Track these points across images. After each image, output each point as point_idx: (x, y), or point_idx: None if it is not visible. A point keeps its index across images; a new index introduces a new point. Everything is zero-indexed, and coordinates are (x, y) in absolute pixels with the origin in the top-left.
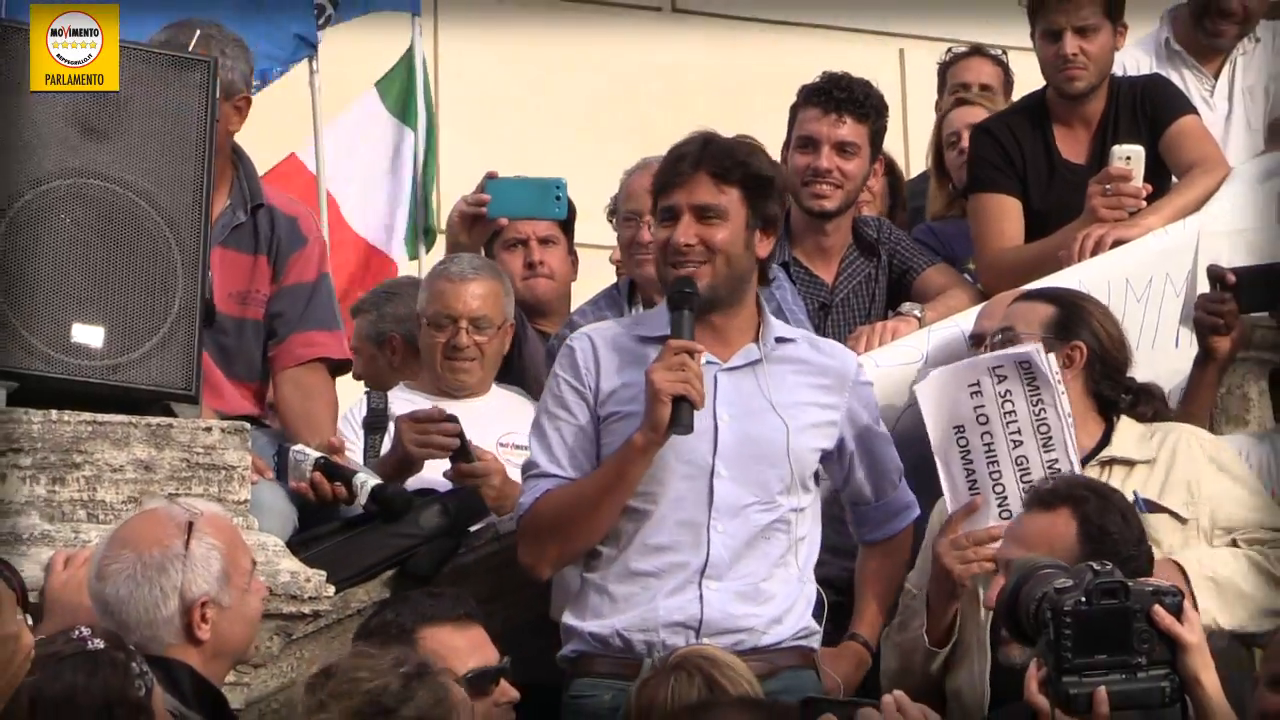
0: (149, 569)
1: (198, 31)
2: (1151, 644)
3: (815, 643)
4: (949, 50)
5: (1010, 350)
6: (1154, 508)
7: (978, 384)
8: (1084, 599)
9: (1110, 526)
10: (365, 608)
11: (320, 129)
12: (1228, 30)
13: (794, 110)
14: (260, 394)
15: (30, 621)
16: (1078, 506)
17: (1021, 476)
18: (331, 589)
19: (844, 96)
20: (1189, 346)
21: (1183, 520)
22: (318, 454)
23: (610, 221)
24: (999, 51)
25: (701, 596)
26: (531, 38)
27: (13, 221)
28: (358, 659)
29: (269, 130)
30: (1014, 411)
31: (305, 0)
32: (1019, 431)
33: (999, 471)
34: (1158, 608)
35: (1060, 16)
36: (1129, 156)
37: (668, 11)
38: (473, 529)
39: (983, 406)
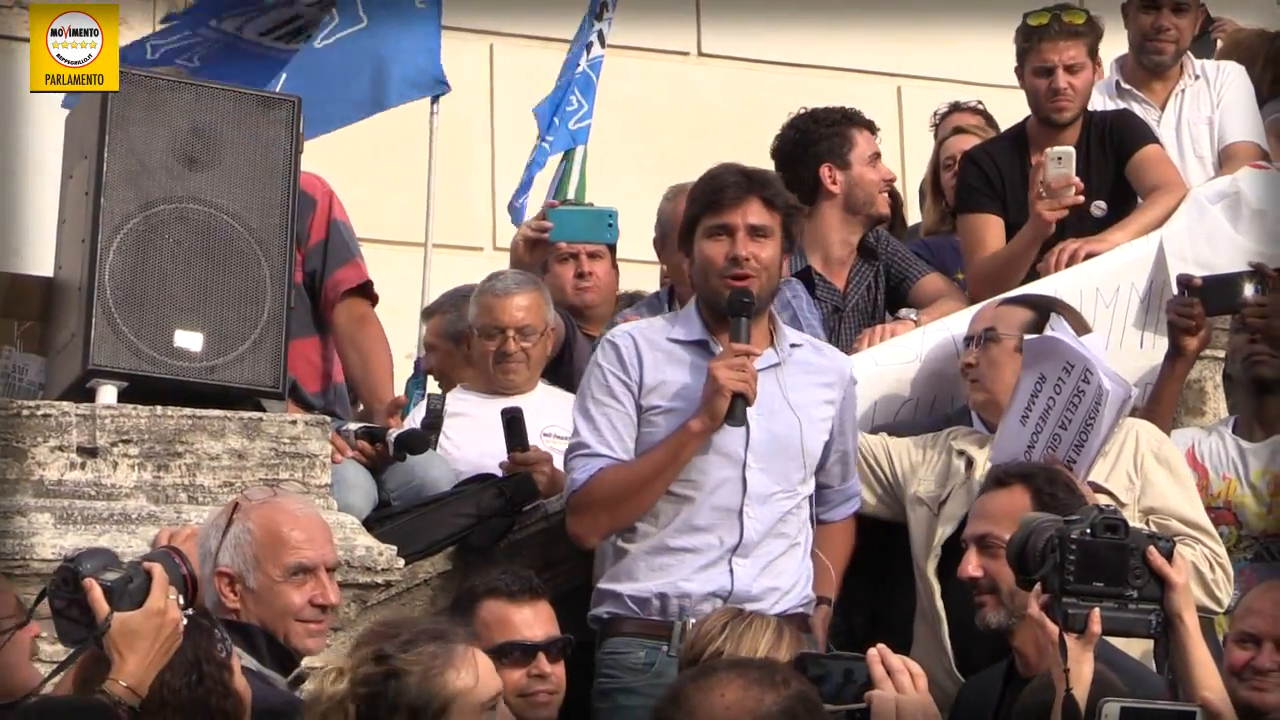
0: (204, 531)
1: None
2: (1144, 580)
3: (812, 609)
4: (936, 112)
5: (1115, 376)
6: (1097, 488)
7: (1072, 367)
8: (1089, 530)
9: (1059, 494)
10: (431, 578)
11: (434, 165)
12: (1165, 48)
13: (845, 132)
14: (319, 348)
15: (182, 602)
16: (1029, 482)
17: (1050, 441)
18: (401, 561)
19: (871, 121)
20: (1152, 348)
21: (1122, 504)
22: (357, 425)
23: (654, 245)
24: (975, 101)
25: (732, 571)
26: None
27: (124, 240)
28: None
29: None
30: (1076, 408)
31: (435, 40)
32: (1070, 422)
33: (1043, 423)
34: (1152, 549)
35: (1053, 55)
36: (1060, 157)
37: (694, 55)
38: (525, 509)
39: (1063, 380)
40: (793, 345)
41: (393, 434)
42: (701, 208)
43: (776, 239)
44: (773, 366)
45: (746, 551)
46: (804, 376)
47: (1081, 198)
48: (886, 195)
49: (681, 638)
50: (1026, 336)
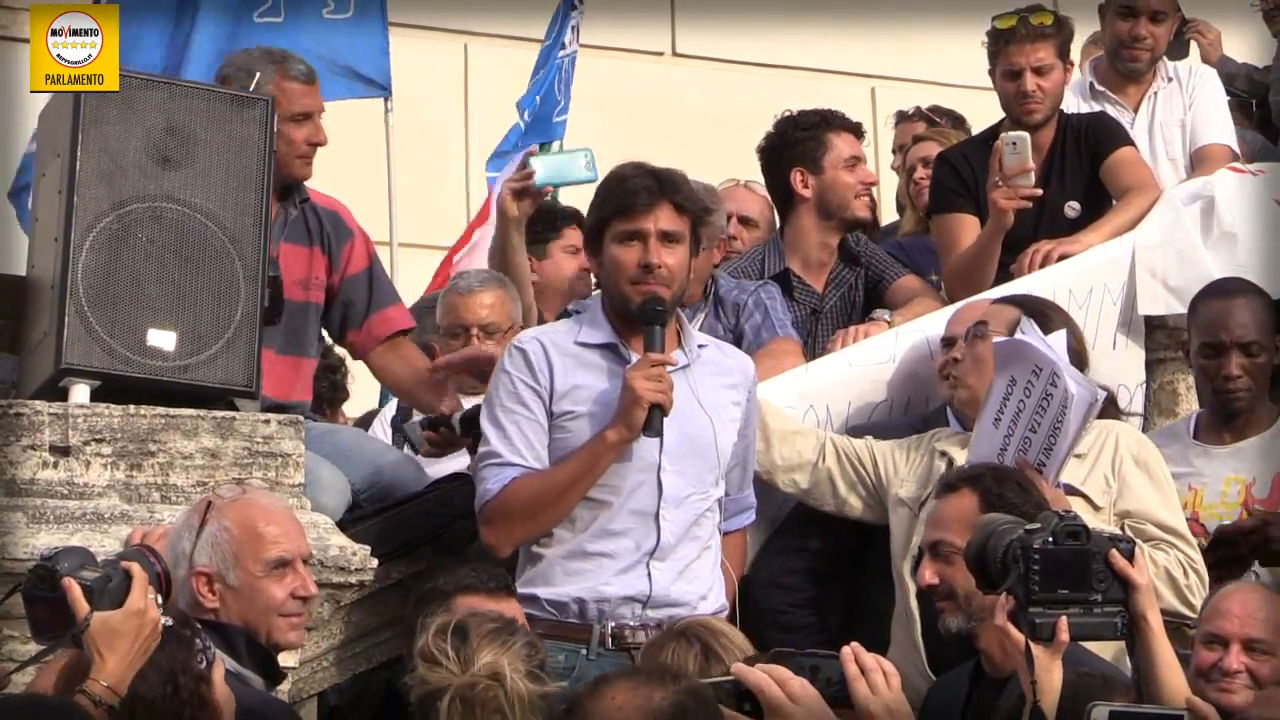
0: (175, 533)
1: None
2: (1107, 583)
3: (725, 615)
4: (888, 120)
5: (1081, 380)
6: (1072, 491)
7: (1040, 371)
8: (1050, 539)
9: (1009, 494)
10: (405, 578)
11: (393, 169)
12: (1140, 55)
13: (820, 136)
14: (311, 370)
15: (161, 601)
16: (976, 484)
17: (1020, 444)
18: (375, 561)
19: (857, 124)
20: (1125, 349)
21: (1097, 507)
22: (420, 418)
23: None
24: (914, 108)
25: (649, 575)
26: None
27: (97, 239)
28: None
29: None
30: (1045, 411)
31: (380, 45)
32: (1040, 425)
33: (1014, 426)
34: (1114, 552)
35: (1020, 58)
36: (1015, 143)
37: (669, 55)
38: None
39: (1032, 383)
40: (700, 346)
41: (456, 416)
42: (611, 211)
43: (686, 244)
44: (682, 368)
45: (664, 555)
46: (712, 378)
47: (1040, 190)
48: (867, 199)
49: (601, 641)
50: (995, 340)
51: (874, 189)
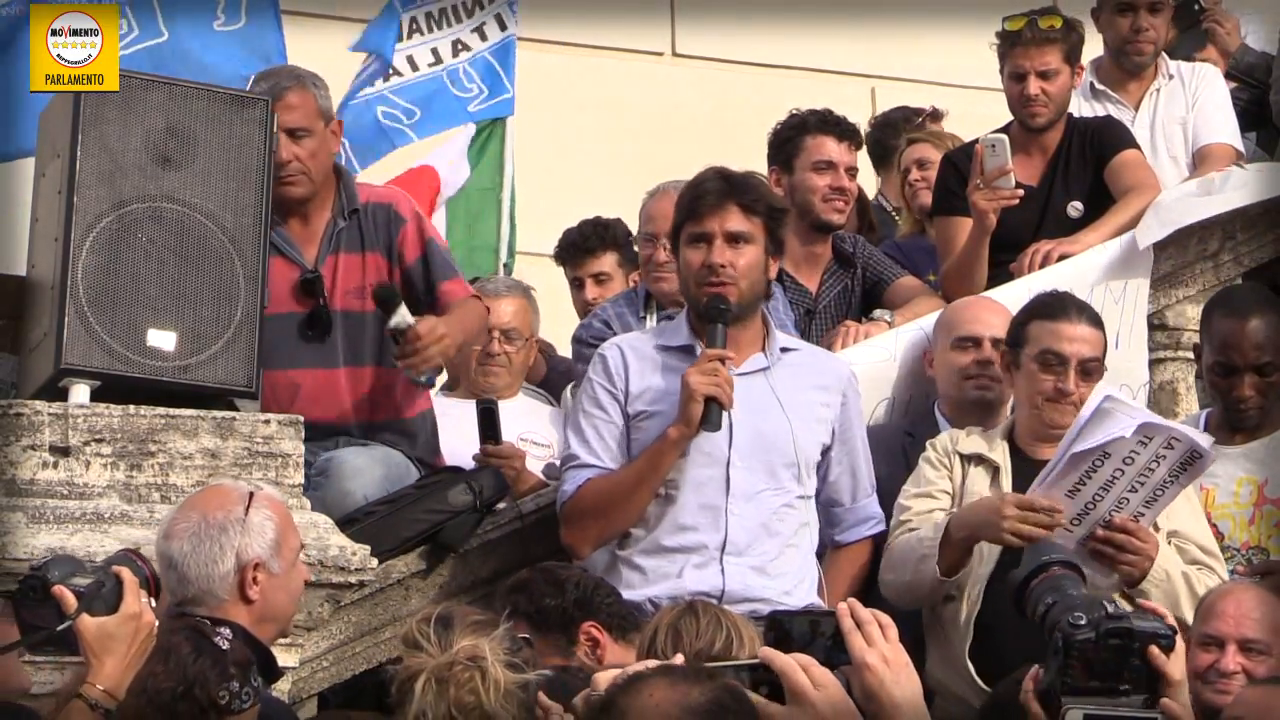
0: (211, 529)
1: (292, 76)
2: (1139, 675)
3: None
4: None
5: (1197, 438)
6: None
7: (1150, 440)
8: (1094, 637)
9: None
10: (404, 577)
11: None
12: (1145, 48)
13: (797, 138)
14: (383, 380)
15: (154, 604)
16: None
17: (1115, 504)
18: (375, 561)
19: (850, 128)
20: (1127, 347)
21: (1156, 527)
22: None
23: (633, 241)
24: (930, 107)
25: (723, 570)
26: (551, 79)
27: (97, 239)
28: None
29: None
30: (1152, 473)
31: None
32: (1144, 483)
33: (1101, 497)
34: (1153, 648)
35: (1025, 61)
36: (994, 145)
37: (669, 56)
38: (497, 507)
39: (1136, 454)
40: (785, 349)
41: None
42: (684, 215)
43: (758, 244)
44: (761, 370)
45: (737, 550)
46: (798, 379)
47: (1021, 191)
48: (837, 204)
49: None
50: (1139, 422)
51: (847, 193)
